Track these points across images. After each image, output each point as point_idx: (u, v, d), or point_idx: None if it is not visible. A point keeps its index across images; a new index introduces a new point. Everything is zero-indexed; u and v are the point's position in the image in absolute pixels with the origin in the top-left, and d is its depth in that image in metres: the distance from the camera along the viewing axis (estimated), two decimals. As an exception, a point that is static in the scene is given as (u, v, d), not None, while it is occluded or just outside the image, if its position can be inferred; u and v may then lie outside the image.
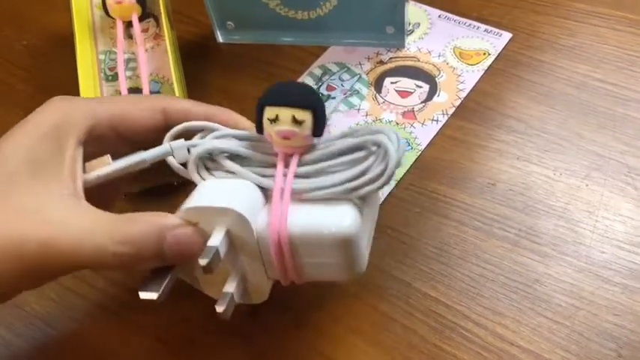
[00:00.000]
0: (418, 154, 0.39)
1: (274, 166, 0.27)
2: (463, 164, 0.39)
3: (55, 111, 0.27)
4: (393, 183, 0.38)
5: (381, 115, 0.42)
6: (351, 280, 0.31)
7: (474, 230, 0.36)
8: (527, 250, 0.34)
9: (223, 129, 0.28)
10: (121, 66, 0.42)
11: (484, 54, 0.45)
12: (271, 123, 0.25)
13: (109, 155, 0.28)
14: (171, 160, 0.28)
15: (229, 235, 0.25)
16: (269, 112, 0.25)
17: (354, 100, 0.43)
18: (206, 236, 0.25)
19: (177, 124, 0.29)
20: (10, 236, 0.23)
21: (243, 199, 0.26)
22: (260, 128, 0.26)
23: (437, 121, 0.41)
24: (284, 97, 0.25)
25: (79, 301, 0.35)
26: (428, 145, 0.40)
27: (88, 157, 0.28)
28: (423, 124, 0.41)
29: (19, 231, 0.23)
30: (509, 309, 0.32)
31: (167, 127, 0.29)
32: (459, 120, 0.41)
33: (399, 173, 0.38)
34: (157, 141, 0.29)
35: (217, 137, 0.28)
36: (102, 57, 0.43)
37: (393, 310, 0.33)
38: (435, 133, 0.40)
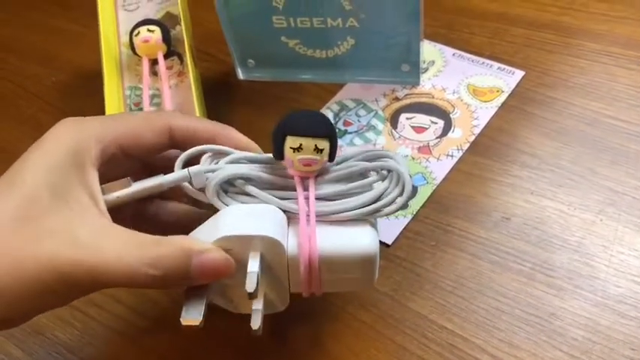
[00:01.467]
0: (434, 188, 0.40)
1: (291, 188, 0.28)
2: (478, 199, 0.39)
3: (67, 136, 0.27)
4: (409, 216, 0.39)
5: (397, 150, 0.43)
6: (364, 289, 0.34)
7: (490, 264, 0.36)
8: (542, 283, 0.35)
9: (235, 152, 0.29)
10: (146, 101, 0.44)
11: (497, 91, 0.46)
12: (294, 151, 0.27)
13: (129, 178, 0.28)
14: (187, 186, 0.29)
15: (263, 259, 0.27)
16: (292, 141, 0.27)
17: (370, 135, 0.44)
18: (234, 259, 0.26)
19: (183, 141, 0.30)
20: (40, 256, 0.24)
21: (272, 223, 0.27)
22: (279, 154, 0.28)
23: (452, 156, 0.42)
24: (306, 128, 0.27)
25: (101, 329, 0.36)
26: (443, 179, 0.41)
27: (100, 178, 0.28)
28: (438, 159, 0.42)
29: (50, 251, 0.24)
30: (525, 342, 0.32)
31: (172, 144, 0.30)
32: (473, 155, 0.42)
33: (415, 207, 0.39)
34: (161, 157, 0.31)
35: (232, 161, 0.29)
36: (128, 92, 0.45)
37: (409, 342, 0.33)
38: (450, 167, 0.41)
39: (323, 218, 0.28)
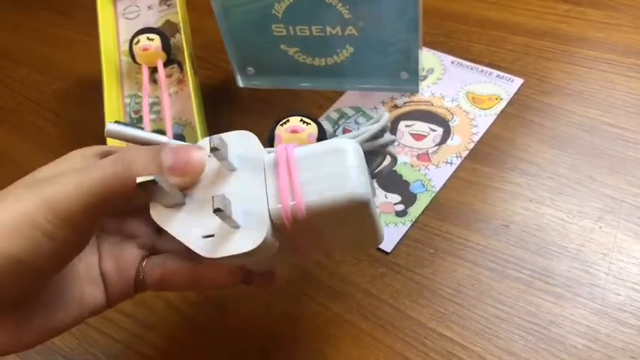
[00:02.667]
0: (433, 195, 0.40)
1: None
2: (477, 206, 0.39)
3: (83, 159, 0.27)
4: (408, 224, 0.39)
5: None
6: (355, 208, 0.25)
7: (489, 271, 0.36)
8: (541, 291, 0.35)
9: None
10: (146, 109, 0.44)
11: (496, 99, 0.46)
12: (282, 125, 0.29)
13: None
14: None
15: (238, 154, 0.25)
16: (281, 121, 0.29)
17: (370, 142, 0.44)
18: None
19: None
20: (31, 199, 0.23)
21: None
22: (271, 140, 0.29)
23: (451, 163, 0.42)
24: (293, 112, 0.29)
25: (100, 338, 0.36)
26: (442, 186, 0.41)
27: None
28: (437, 166, 0.42)
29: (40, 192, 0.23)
30: (524, 350, 0.32)
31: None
32: (472, 163, 0.42)
33: (414, 214, 0.39)
34: None
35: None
36: (127, 100, 0.45)
37: (408, 350, 0.33)
38: (449, 175, 0.41)
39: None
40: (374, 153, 0.27)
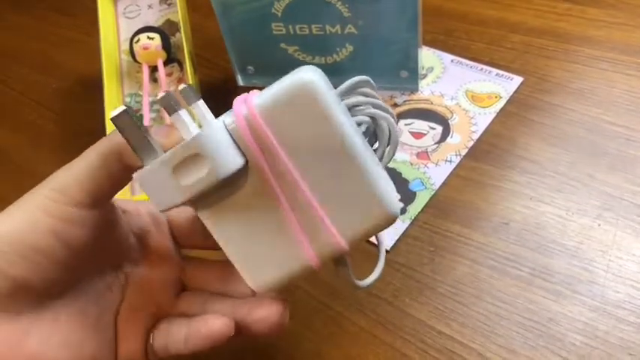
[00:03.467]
0: (432, 193, 0.40)
1: None
2: (477, 204, 0.39)
3: None
4: (407, 222, 0.39)
5: (395, 156, 0.43)
6: (385, 217, 0.23)
7: (488, 269, 0.36)
8: (541, 289, 0.35)
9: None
10: (146, 108, 0.44)
11: (496, 97, 0.46)
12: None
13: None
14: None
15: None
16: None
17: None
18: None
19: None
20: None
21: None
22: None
23: (450, 161, 0.42)
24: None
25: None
26: (442, 185, 0.41)
27: None
28: (436, 164, 0.42)
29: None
30: (523, 347, 0.32)
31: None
32: (472, 161, 0.42)
33: (414, 212, 0.39)
34: None
35: None
36: (128, 99, 0.46)
37: (407, 348, 0.33)
38: (448, 173, 0.41)
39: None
40: (369, 129, 0.25)
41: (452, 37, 0.52)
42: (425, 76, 0.49)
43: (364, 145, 0.24)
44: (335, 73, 0.48)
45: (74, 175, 0.24)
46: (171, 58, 0.47)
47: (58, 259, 0.24)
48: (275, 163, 0.23)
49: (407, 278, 0.36)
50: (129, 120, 0.22)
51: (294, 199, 0.23)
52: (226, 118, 0.23)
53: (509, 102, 0.46)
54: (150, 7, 0.49)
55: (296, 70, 0.23)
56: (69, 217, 0.24)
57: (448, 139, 0.44)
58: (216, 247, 0.25)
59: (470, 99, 0.47)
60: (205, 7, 0.46)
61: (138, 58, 0.46)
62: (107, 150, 0.24)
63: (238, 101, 0.23)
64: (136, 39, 0.45)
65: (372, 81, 0.26)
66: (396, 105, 0.47)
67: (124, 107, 0.23)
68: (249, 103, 0.23)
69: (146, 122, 0.43)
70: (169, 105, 0.22)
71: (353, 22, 0.44)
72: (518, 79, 0.47)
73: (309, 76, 0.22)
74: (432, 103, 0.47)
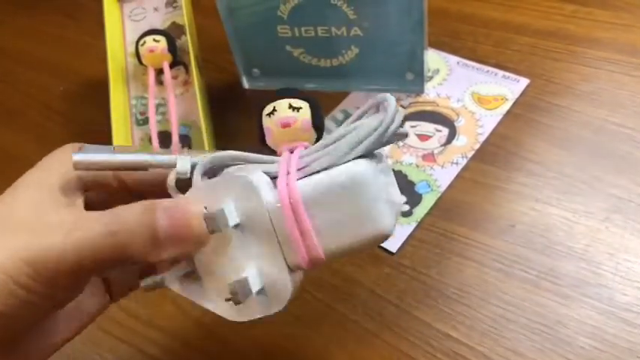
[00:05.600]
0: (438, 195, 0.40)
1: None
2: (483, 206, 0.39)
3: (61, 164, 0.25)
4: (413, 224, 0.39)
5: (401, 158, 0.43)
6: (378, 243, 0.24)
7: (495, 271, 0.36)
8: (548, 291, 0.34)
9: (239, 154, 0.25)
10: (152, 110, 0.44)
11: (502, 99, 0.46)
12: (270, 116, 0.24)
13: (113, 146, 0.26)
14: (170, 181, 0.24)
15: (238, 209, 0.23)
16: (266, 110, 0.24)
17: (375, 143, 0.44)
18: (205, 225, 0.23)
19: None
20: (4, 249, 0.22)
21: (252, 172, 0.23)
22: (262, 137, 0.25)
23: (456, 163, 0.42)
24: (277, 93, 0.24)
25: (104, 336, 0.36)
26: (448, 187, 0.41)
27: (91, 204, 0.25)
28: (442, 166, 0.42)
29: (13, 244, 0.22)
30: (531, 350, 0.32)
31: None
32: (478, 163, 0.42)
33: (420, 214, 0.39)
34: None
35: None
36: (134, 102, 0.46)
37: (414, 351, 0.33)
38: (454, 175, 0.41)
39: (306, 168, 0.23)
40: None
41: (458, 39, 0.52)
42: (431, 78, 0.49)
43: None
44: (340, 75, 0.48)
45: (49, 256, 0.22)
46: (177, 60, 0.47)
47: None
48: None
49: (413, 281, 0.36)
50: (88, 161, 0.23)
51: None
52: (282, 238, 0.23)
53: (515, 104, 0.46)
54: (156, 9, 0.49)
55: (350, 165, 0.22)
56: (34, 291, 0.22)
57: (454, 142, 0.44)
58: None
59: (476, 101, 0.46)
60: (211, 10, 0.46)
61: (144, 61, 0.46)
62: (90, 257, 0.22)
63: (282, 178, 0.23)
64: (141, 42, 0.45)
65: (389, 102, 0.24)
66: (401, 107, 0.47)
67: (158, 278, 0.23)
68: (314, 247, 0.22)
69: (152, 124, 0.43)
70: (242, 294, 0.22)
71: (358, 25, 0.44)
72: (524, 81, 0.47)
73: (387, 228, 0.23)
74: (437, 105, 0.47)
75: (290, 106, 0.24)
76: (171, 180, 0.24)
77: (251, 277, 0.23)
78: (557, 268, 0.35)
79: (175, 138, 0.42)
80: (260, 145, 0.25)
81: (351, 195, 0.22)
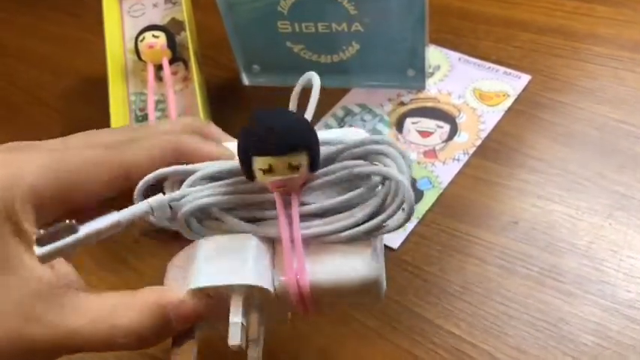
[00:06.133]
0: (440, 192, 0.40)
1: (272, 204, 0.24)
2: (485, 203, 0.39)
3: None
4: (414, 221, 0.38)
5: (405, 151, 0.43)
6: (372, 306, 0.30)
7: (497, 268, 0.36)
8: (551, 288, 0.34)
9: (197, 170, 0.25)
10: (151, 106, 0.43)
11: (504, 95, 0.46)
12: (265, 173, 0.23)
13: (74, 222, 0.22)
14: (152, 220, 0.25)
15: (248, 300, 0.23)
16: (260, 162, 0.22)
17: (376, 140, 0.44)
18: (216, 302, 0.24)
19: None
20: (6, 338, 0.21)
21: (252, 263, 0.23)
22: (250, 176, 0.23)
23: (458, 160, 0.42)
24: (274, 144, 0.22)
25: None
26: (449, 183, 0.40)
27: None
28: (444, 163, 0.42)
29: (8, 333, 0.21)
30: (534, 348, 0.32)
31: (131, 185, 0.25)
32: (480, 159, 0.42)
33: (421, 211, 0.39)
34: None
35: (195, 183, 0.25)
36: (133, 98, 0.45)
37: (416, 348, 0.33)
38: (456, 171, 0.41)
39: (311, 241, 0.24)
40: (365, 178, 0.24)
41: (459, 36, 0.52)
42: (432, 74, 0.48)
43: None
44: (341, 71, 0.48)
45: None
46: (177, 57, 0.47)
47: None
48: None
49: (414, 277, 0.36)
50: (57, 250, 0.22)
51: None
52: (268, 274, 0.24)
53: (517, 100, 0.45)
54: (155, 5, 0.49)
55: (362, 269, 0.23)
56: None
57: (456, 138, 0.43)
58: None
59: (477, 97, 0.46)
60: (210, 6, 0.46)
61: (143, 57, 0.45)
62: None
63: (290, 270, 0.23)
64: (141, 37, 0.45)
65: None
66: (402, 103, 0.47)
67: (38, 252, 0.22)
68: (302, 280, 0.23)
69: (151, 120, 0.43)
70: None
71: (359, 20, 0.44)
72: (526, 78, 0.47)
73: (372, 270, 0.24)
74: (439, 102, 0.46)
75: (289, 167, 0.22)
76: (155, 221, 0.25)
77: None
78: (560, 265, 0.35)
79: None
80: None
81: (359, 293, 0.24)
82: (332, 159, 0.24)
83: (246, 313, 0.23)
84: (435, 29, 0.50)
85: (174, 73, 0.46)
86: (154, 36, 0.45)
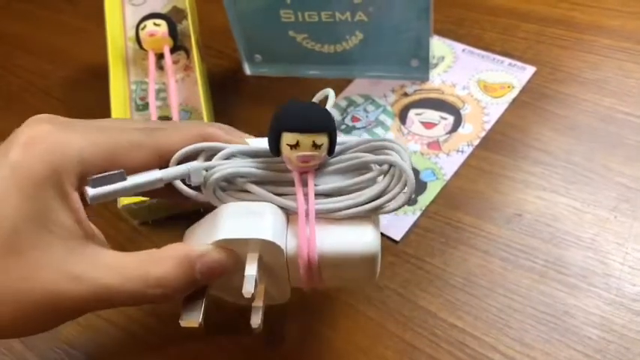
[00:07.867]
0: (443, 184, 0.40)
1: (290, 183, 0.27)
2: (489, 195, 0.39)
3: (44, 155, 0.24)
4: (418, 212, 0.38)
5: (406, 146, 0.42)
6: (367, 286, 0.33)
7: (501, 261, 0.35)
8: (555, 281, 0.34)
9: (228, 146, 0.28)
10: (152, 95, 0.43)
11: (508, 87, 0.45)
12: (292, 148, 0.26)
13: (123, 171, 0.25)
14: (180, 185, 0.27)
15: (261, 259, 0.26)
16: (289, 138, 0.26)
17: (379, 131, 0.44)
18: (235, 256, 0.26)
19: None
20: (35, 293, 0.22)
21: (271, 224, 0.26)
22: (276, 151, 0.27)
23: (462, 151, 0.41)
24: (303, 123, 0.26)
25: (104, 325, 0.35)
26: (453, 175, 0.40)
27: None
28: (448, 154, 0.41)
29: (44, 288, 0.23)
30: (538, 341, 0.32)
31: (163, 165, 0.27)
32: (484, 151, 0.41)
33: (424, 202, 0.39)
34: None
35: (227, 156, 0.28)
36: (133, 87, 0.45)
37: (418, 340, 0.33)
38: (460, 163, 0.41)
39: (323, 216, 0.27)
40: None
41: (463, 27, 0.51)
42: (436, 65, 0.48)
43: None
44: (344, 61, 0.47)
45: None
46: (178, 45, 0.46)
47: None
48: None
49: (417, 269, 0.36)
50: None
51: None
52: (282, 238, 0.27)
53: (522, 92, 0.45)
54: (156, -6, 0.48)
55: (367, 240, 0.26)
56: None
57: (460, 129, 0.43)
58: None
59: (482, 89, 0.46)
60: (213, -6, 0.45)
61: (144, 45, 0.45)
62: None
63: (303, 240, 0.26)
64: (142, 26, 0.44)
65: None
66: (406, 94, 0.46)
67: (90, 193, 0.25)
68: (312, 248, 0.26)
69: (152, 109, 0.42)
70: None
71: (363, 9, 0.43)
72: (531, 69, 0.46)
73: (374, 245, 0.26)
74: (443, 93, 0.46)
75: (313, 144, 0.26)
76: (182, 190, 0.27)
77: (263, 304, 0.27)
78: (565, 258, 0.35)
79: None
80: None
81: (360, 265, 0.27)
82: (342, 152, 0.28)
83: (259, 271, 0.26)
84: (439, 20, 0.50)
85: (175, 62, 0.46)
86: (155, 24, 0.44)
